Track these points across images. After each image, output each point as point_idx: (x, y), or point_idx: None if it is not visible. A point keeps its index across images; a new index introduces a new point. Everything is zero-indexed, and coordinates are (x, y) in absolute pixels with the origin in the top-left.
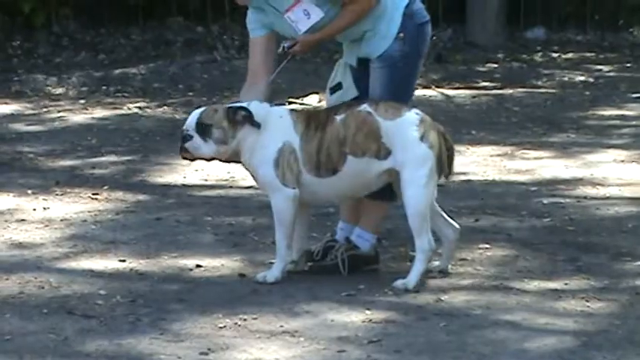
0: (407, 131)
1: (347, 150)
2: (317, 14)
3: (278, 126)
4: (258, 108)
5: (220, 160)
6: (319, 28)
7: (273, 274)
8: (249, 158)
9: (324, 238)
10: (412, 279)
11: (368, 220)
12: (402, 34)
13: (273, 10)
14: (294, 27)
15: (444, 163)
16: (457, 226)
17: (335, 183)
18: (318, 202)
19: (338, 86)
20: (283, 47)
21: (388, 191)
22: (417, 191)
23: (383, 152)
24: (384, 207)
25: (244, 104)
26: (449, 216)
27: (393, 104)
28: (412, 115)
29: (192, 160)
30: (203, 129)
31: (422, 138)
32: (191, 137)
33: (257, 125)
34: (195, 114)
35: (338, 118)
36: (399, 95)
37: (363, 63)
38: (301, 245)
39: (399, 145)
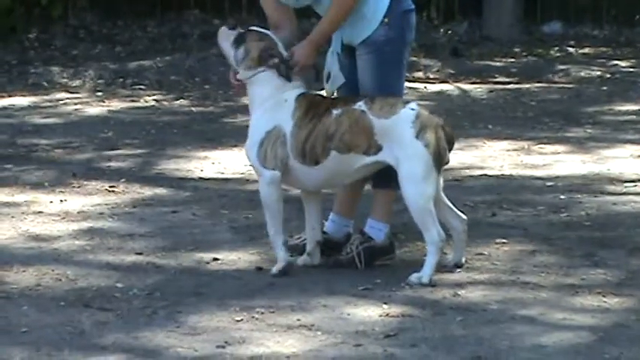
0: (402, 129)
1: (332, 146)
2: None
3: (277, 108)
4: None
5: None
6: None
7: (278, 265)
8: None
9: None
10: (426, 272)
11: (378, 209)
12: (386, 19)
13: None
14: None
15: (442, 157)
16: (464, 216)
17: (315, 172)
18: (303, 187)
19: (329, 75)
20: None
21: (394, 178)
22: (416, 188)
23: (373, 149)
24: (391, 194)
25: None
26: (456, 207)
27: (389, 100)
28: (407, 112)
29: None
30: None
31: (417, 136)
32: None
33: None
34: None
35: (334, 112)
36: (389, 83)
37: (349, 50)
38: (313, 236)
39: (396, 142)
